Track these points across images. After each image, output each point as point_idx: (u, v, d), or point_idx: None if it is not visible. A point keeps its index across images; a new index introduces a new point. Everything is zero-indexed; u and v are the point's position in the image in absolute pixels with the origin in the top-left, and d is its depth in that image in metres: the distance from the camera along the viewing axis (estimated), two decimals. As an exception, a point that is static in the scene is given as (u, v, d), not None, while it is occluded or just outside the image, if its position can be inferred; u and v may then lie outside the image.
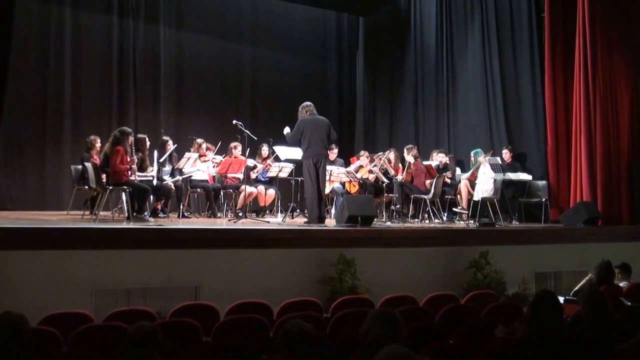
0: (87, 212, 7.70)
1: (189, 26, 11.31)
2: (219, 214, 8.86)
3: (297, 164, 8.49)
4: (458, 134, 11.28)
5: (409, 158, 9.49)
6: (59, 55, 9.96)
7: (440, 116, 11.56)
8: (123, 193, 7.47)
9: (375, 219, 7.69)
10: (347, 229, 6.83)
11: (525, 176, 9.68)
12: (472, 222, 8.91)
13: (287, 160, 9.04)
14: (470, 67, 11.15)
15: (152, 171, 8.06)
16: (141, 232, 5.96)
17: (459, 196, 9.85)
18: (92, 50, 10.29)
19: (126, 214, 7.24)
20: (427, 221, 9.19)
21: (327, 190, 9.02)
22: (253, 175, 9.41)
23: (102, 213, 7.47)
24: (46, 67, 9.89)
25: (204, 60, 11.43)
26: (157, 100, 10.87)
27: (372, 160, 9.85)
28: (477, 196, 9.24)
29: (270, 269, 5.95)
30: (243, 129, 8.83)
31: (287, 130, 7.80)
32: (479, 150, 9.71)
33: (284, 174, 9.22)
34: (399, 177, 9.54)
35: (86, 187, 8.01)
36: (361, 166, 9.89)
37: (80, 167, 8.38)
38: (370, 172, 9.75)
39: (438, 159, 9.99)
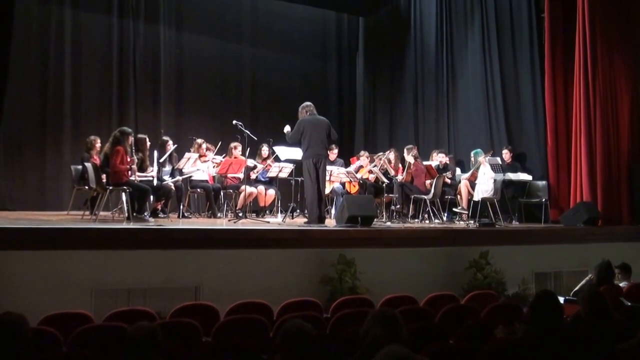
0: (87, 213, 7.70)
1: (189, 26, 11.31)
2: (219, 214, 8.86)
3: (297, 164, 8.49)
4: (458, 134, 11.28)
5: (409, 158, 9.49)
6: (59, 55, 9.96)
7: (440, 116, 11.56)
8: (123, 193, 7.47)
9: (375, 219, 7.69)
10: (347, 229, 6.83)
11: (525, 176, 9.68)
12: (472, 222, 8.91)
13: (287, 161, 9.04)
14: (470, 67, 11.15)
15: (152, 171, 8.06)
16: (141, 233, 5.96)
17: (459, 196, 9.85)
18: (92, 50, 10.29)
19: (126, 214, 7.24)
20: (427, 221, 9.19)
21: (327, 191, 9.02)
22: (253, 176, 9.41)
23: (102, 213, 7.47)
24: (46, 67, 9.89)
25: (204, 60, 11.43)
26: (157, 100, 10.88)
27: (372, 161, 9.86)
28: (477, 196, 9.23)
29: (270, 269, 5.95)
30: (243, 129, 8.83)
31: (287, 128, 7.80)
32: (479, 150, 9.71)
33: (284, 174, 9.22)
34: (399, 177, 9.55)
35: (86, 187, 8.00)
36: (361, 166, 9.90)
37: (80, 167, 8.39)
38: (370, 172, 9.76)
39: (438, 159, 10.00)
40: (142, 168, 7.97)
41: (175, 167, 8.87)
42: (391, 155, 9.85)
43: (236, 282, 5.70)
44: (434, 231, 7.87)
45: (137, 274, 5.46)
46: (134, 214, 7.18)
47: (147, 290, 5.45)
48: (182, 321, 4.23)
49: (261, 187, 9.35)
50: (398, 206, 9.34)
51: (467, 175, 9.81)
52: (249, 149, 9.02)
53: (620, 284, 6.22)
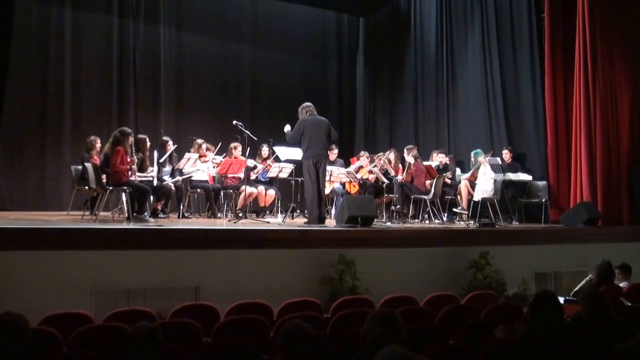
0: (87, 213, 7.70)
1: (189, 26, 11.31)
2: (219, 215, 8.86)
3: (297, 164, 8.49)
4: (458, 134, 11.28)
5: (409, 158, 9.49)
6: (59, 55, 9.96)
7: (440, 116, 11.56)
8: (123, 193, 7.46)
9: (375, 220, 7.69)
10: (347, 230, 6.83)
11: (525, 176, 9.68)
12: (472, 222, 8.91)
13: (287, 161, 9.04)
14: (470, 67, 11.15)
15: (152, 171, 8.06)
16: (141, 233, 5.96)
17: (459, 196, 9.85)
18: (92, 50, 10.29)
19: (126, 215, 7.24)
20: (427, 221, 9.19)
21: (327, 191, 9.03)
22: (253, 176, 9.41)
23: (102, 213, 7.47)
24: (46, 67, 9.89)
25: (204, 60, 11.43)
26: (157, 100, 10.87)
27: (372, 161, 9.86)
28: (477, 196, 9.23)
29: (270, 270, 5.95)
30: (243, 129, 8.83)
31: (287, 128, 7.80)
32: (479, 150, 9.71)
33: (284, 175, 9.22)
34: (399, 178, 9.55)
35: (86, 187, 8.00)
36: (361, 166, 9.90)
37: (80, 167, 8.38)
38: (371, 172, 9.76)
39: (438, 159, 10.00)
40: (142, 168, 7.97)
41: (175, 167, 8.87)
42: (391, 155, 9.85)
43: (236, 282, 5.70)
44: (434, 231, 7.87)
45: (137, 274, 5.46)
46: (134, 214, 7.18)
47: (147, 291, 5.45)
48: (182, 321, 4.23)
49: (261, 188, 9.35)
50: (398, 206, 9.34)
51: (467, 175, 9.81)
52: (249, 149, 9.02)
53: (620, 284, 6.22)
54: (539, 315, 3.69)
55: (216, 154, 9.36)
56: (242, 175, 9.00)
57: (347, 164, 10.14)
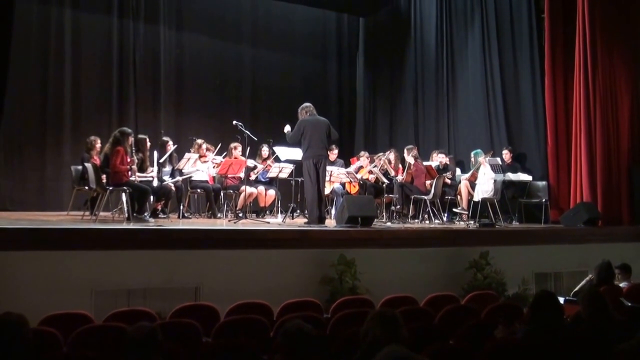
0: (87, 213, 7.70)
1: (189, 26, 11.31)
2: (219, 215, 8.86)
3: (297, 164, 8.49)
4: (458, 134, 11.28)
5: (409, 159, 9.49)
6: (59, 55, 9.96)
7: (440, 116, 11.56)
8: (123, 194, 7.46)
9: (375, 220, 7.69)
10: (347, 230, 6.83)
11: (525, 177, 9.68)
12: (472, 222, 8.91)
13: (287, 161, 9.04)
14: (470, 67, 11.15)
15: (152, 172, 8.07)
16: (141, 233, 5.96)
17: (459, 197, 9.85)
18: (92, 50, 10.29)
19: (126, 215, 7.24)
20: (427, 222, 9.19)
21: (327, 191, 9.03)
22: (253, 176, 9.41)
23: (102, 214, 7.47)
24: (46, 67, 9.89)
25: (204, 60, 11.42)
26: (157, 100, 10.87)
27: (372, 161, 9.86)
28: (477, 197, 9.23)
29: (270, 270, 5.95)
30: (243, 129, 8.83)
31: (287, 128, 7.80)
32: (479, 150, 9.71)
33: (284, 175, 9.22)
34: (399, 178, 9.55)
35: (86, 187, 8.00)
36: (361, 167, 9.90)
37: (80, 167, 8.38)
38: (371, 172, 9.76)
39: (438, 159, 10.00)
40: (142, 168, 7.97)
41: (175, 168, 8.87)
42: (391, 155, 9.85)
43: (236, 282, 5.70)
44: (434, 231, 7.88)
45: (137, 274, 5.46)
46: (134, 214, 7.18)
47: (147, 291, 5.45)
48: (182, 321, 4.23)
49: (261, 188, 9.35)
50: (398, 206, 9.34)
51: (467, 175, 9.80)
52: (249, 149, 9.01)
53: (620, 284, 6.22)
54: (539, 316, 3.69)
55: (216, 154, 9.36)
56: (242, 175, 9.00)
57: (347, 164, 10.14)
